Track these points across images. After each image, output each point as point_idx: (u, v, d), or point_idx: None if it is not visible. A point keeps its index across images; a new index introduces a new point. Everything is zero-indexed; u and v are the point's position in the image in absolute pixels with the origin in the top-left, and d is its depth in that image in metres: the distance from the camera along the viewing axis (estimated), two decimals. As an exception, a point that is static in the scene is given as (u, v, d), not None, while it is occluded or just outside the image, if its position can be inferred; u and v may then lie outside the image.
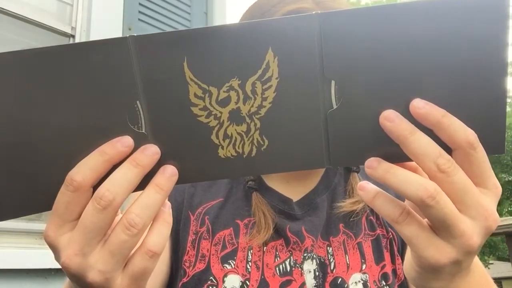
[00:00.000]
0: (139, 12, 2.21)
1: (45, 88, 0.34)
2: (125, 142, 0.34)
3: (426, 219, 0.36)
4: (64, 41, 1.98)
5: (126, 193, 0.34)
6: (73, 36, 2.00)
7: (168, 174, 0.35)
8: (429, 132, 0.34)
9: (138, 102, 0.34)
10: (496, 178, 0.36)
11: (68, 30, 1.99)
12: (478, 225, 0.34)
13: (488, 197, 0.35)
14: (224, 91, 0.34)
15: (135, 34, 0.33)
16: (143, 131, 0.35)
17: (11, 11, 1.81)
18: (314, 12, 0.33)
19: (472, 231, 0.34)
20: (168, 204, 0.37)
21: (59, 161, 0.35)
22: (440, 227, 0.34)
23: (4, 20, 1.80)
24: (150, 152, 0.34)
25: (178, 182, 0.36)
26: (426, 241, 0.35)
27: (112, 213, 0.34)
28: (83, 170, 0.34)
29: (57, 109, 0.34)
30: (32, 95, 0.34)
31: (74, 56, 0.33)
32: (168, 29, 2.26)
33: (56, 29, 1.95)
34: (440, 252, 0.34)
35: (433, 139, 0.34)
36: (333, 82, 0.34)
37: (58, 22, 1.97)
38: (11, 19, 1.83)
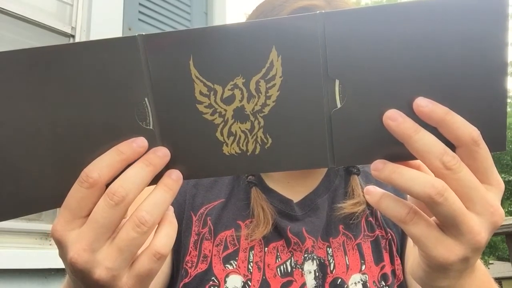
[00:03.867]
0: (139, 12, 2.21)
1: (53, 86, 0.34)
2: (140, 142, 0.35)
3: (433, 218, 0.36)
4: (64, 41, 1.98)
5: (138, 191, 0.35)
6: (73, 36, 2.00)
7: (175, 177, 0.36)
8: (432, 131, 0.34)
9: (146, 99, 0.35)
10: (498, 174, 0.36)
11: (68, 30, 1.99)
12: (485, 221, 0.34)
13: (492, 193, 0.35)
14: (228, 89, 0.35)
15: (143, 33, 0.33)
16: (151, 127, 0.35)
17: (11, 11, 1.81)
18: (318, 12, 0.33)
19: (480, 227, 0.34)
20: (171, 207, 0.37)
21: (66, 159, 0.35)
22: (449, 225, 0.34)
23: (4, 20, 1.80)
24: (162, 153, 0.35)
25: (183, 178, 0.37)
26: (434, 239, 0.35)
27: (123, 209, 0.34)
28: (100, 167, 0.34)
29: (64, 107, 0.34)
30: (40, 94, 0.34)
31: (82, 54, 0.33)
32: (168, 29, 2.26)
33: (56, 29, 1.95)
34: (448, 250, 0.35)
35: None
36: (337, 81, 0.34)
37: (58, 22, 1.97)
38: (11, 19, 1.83)
